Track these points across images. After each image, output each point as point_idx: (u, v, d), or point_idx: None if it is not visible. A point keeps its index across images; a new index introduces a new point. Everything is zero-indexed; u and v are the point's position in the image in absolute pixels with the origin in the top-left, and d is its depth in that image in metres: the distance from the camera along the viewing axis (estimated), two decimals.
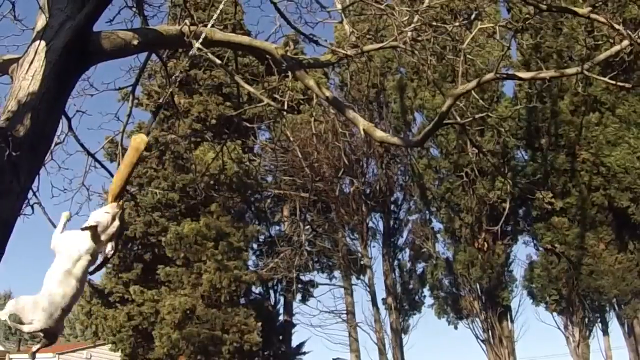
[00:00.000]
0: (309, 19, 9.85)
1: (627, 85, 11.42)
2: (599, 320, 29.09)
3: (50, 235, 5.59)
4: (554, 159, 27.50)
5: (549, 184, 27.41)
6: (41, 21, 6.67)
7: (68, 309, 5.36)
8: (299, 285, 35.09)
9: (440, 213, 30.47)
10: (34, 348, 5.77)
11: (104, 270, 31.53)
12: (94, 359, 40.61)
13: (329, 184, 32.66)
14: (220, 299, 29.03)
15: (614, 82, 9.14)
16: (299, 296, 35.75)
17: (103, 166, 9.25)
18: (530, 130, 28.68)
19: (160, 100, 6.88)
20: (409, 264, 34.56)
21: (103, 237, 5.49)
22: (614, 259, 26.31)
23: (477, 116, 12.30)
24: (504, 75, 9.57)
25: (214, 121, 31.51)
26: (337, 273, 36.66)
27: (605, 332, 29.06)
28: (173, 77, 7.99)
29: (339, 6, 11.70)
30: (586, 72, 8.07)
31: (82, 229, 5.38)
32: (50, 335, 5.34)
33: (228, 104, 31.59)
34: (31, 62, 6.19)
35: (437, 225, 32.11)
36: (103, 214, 5.51)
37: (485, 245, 29.06)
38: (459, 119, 10.10)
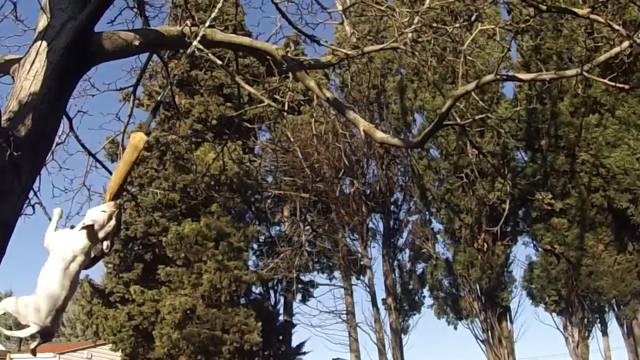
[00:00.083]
0: (309, 20, 9.89)
1: (626, 86, 11.47)
2: (598, 320, 29.11)
3: None
4: (554, 160, 27.52)
5: (548, 185, 27.43)
6: (42, 21, 6.68)
7: (63, 309, 5.39)
8: (299, 286, 35.12)
9: (440, 214, 30.48)
10: (32, 345, 5.79)
11: (104, 270, 31.72)
12: (94, 358, 40.63)
13: (329, 185, 32.68)
14: (221, 299, 29.05)
15: (613, 83, 9.15)
16: (299, 296, 35.81)
17: (104, 166, 9.27)
18: (530, 132, 28.69)
19: (159, 98, 6.80)
20: (408, 265, 34.59)
21: (99, 236, 5.49)
22: (613, 260, 26.33)
23: (477, 117, 12.33)
24: (504, 77, 9.60)
25: (214, 122, 31.54)
26: (337, 273, 36.71)
27: (604, 332, 29.10)
28: (172, 77, 8.01)
29: (340, 7, 11.74)
30: (586, 74, 8.08)
31: (79, 229, 5.38)
32: (47, 335, 5.37)
33: (229, 104, 31.62)
34: (32, 63, 6.20)
35: (437, 225, 32.17)
36: (100, 213, 5.49)
37: (485, 245, 29.07)
38: (459, 120, 10.11)
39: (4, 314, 5.46)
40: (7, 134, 5.55)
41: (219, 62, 7.72)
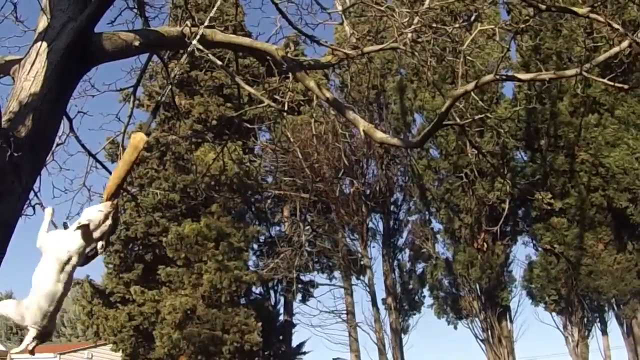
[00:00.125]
0: (309, 21, 9.90)
1: (625, 86, 11.47)
2: (597, 320, 29.14)
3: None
4: (553, 159, 27.54)
5: (548, 185, 27.44)
6: (43, 22, 6.69)
7: (59, 308, 5.41)
8: (299, 286, 35.13)
9: (439, 214, 30.50)
10: (30, 346, 5.80)
11: (105, 270, 31.75)
12: (95, 359, 40.68)
13: (329, 185, 32.69)
14: (221, 299, 29.06)
15: (612, 83, 9.16)
16: (299, 296, 35.82)
17: (104, 167, 9.28)
18: (529, 131, 28.71)
19: (160, 99, 6.82)
20: (408, 265, 34.60)
21: (95, 235, 5.48)
22: (612, 259, 26.36)
23: (476, 117, 12.36)
24: (504, 77, 9.59)
25: (214, 122, 31.55)
26: (337, 273, 36.72)
27: (604, 332, 29.13)
28: (172, 76, 7.98)
29: (340, 7, 11.76)
30: (585, 74, 8.09)
31: (75, 229, 5.38)
32: (46, 335, 5.39)
33: (229, 105, 31.64)
34: (33, 63, 6.21)
35: (436, 225, 32.21)
36: (96, 212, 5.47)
37: (485, 245, 29.09)
38: (458, 120, 10.12)
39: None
40: (8, 134, 5.56)
41: (219, 62, 7.74)
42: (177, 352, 28.61)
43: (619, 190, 25.91)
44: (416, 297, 33.97)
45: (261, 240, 36.07)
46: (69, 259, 5.28)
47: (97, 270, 60.96)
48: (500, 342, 29.21)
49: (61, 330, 73.58)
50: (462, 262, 28.92)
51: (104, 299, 31.11)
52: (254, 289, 33.50)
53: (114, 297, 30.73)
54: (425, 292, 33.13)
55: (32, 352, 5.77)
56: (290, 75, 8.36)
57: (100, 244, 5.56)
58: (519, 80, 9.95)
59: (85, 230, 5.36)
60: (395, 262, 34.52)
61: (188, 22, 7.46)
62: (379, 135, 8.27)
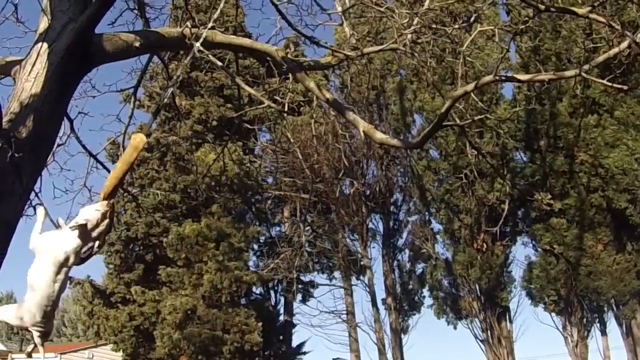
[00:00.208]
0: (309, 22, 9.92)
1: (625, 87, 11.48)
2: (597, 320, 29.16)
3: None
4: (553, 160, 27.56)
5: (547, 186, 27.44)
6: (43, 23, 6.71)
7: (56, 307, 5.44)
8: (299, 286, 35.14)
9: (439, 214, 30.51)
10: (29, 348, 5.83)
11: (105, 271, 31.78)
12: (95, 358, 40.69)
13: (329, 185, 32.69)
14: (221, 299, 29.07)
15: (612, 84, 9.18)
16: (299, 296, 35.83)
17: (105, 167, 9.32)
18: (529, 132, 28.74)
19: (161, 101, 6.79)
20: (408, 265, 34.61)
21: (92, 235, 5.47)
22: (612, 260, 26.38)
23: (476, 118, 12.36)
24: (503, 78, 9.63)
25: (215, 123, 31.57)
26: (337, 274, 36.73)
27: (603, 332, 29.13)
28: (174, 78, 8.00)
29: (339, 8, 11.79)
30: (584, 75, 8.11)
31: (71, 228, 5.39)
32: (46, 335, 5.41)
33: (229, 105, 31.66)
34: (33, 64, 6.23)
35: (436, 226, 32.23)
36: (93, 212, 5.48)
37: (485, 246, 29.10)
38: (458, 121, 10.14)
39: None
40: (9, 135, 5.58)
41: (220, 63, 7.76)
42: (177, 352, 28.62)
43: (619, 191, 25.94)
44: (416, 298, 33.99)
45: (261, 241, 36.10)
46: (66, 259, 5.30)
47: (97, 271, 61.08)
48: (500, 342, 29.23)
49: (62, 330, 73.69)
50: (461, 263, 28.95)
51: (104, 299, 31.12)
52: (254, 289, 33.53)
53: (114, 297, 30.74)
54: (425, 292, 33.21)
55: (29, 355, 5.81)
56: (290, 76, 8.39)
57: (96, 243, 5.58)
58: (519, 81, 9.98)
59: (83, 229, 5.38)
60: (395, 263, 34.55)
61: (188, 23, 7.48)
62: (379, 136, 8.29)
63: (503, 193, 26.27)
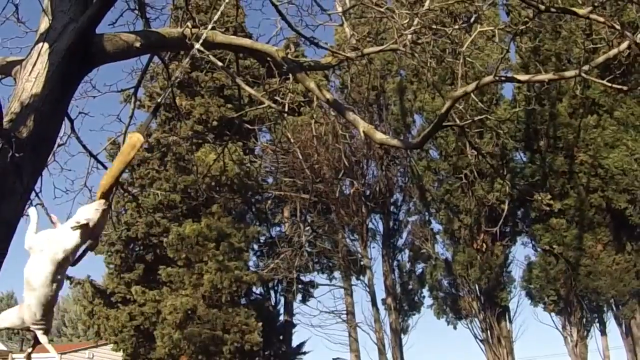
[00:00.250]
0: (309, 22, 9.94)
1: (624, 87, 11.48)
2: (596, 320, 29.18)
3: None
4: (553, 161, 27.58)
5: (547, 186, 27.45)
6: (44, 23, 6.73)
7: (54, 305, 5.46)
8: (299, 286, 35.14)
9: (439, 214, 30.51)
10: (28, 350, 5.84)
11: (105, 271, 31.80)
12: (96, 358, 40.71)
13: (329, 186, 32.70)
14: (221, 299, 29.08)
15: (611, 84, 9.19)
16: (299, 296, 35.83)
17: (105, 167, 9.31)
18: (528, 133, 28.75)
19: (159, 100, 6.77)
20: (408, 265, 34.60)
21: (91, 234, 5.51)
22: (611, 260, 26.39)
23: (476, 118, 12.40)
24: (503, 78, 9.65)
25: (215, 123, 31.57)
26: (337, 274, 36.73)
27: (603, 332, 29.15)
28: (173, 78, 8.00)
29: (340, 9, 11.81)
30: (584, 75, 8.13)
31: (73, 228, 5.39)
32: (46, 332, 5.44)
33: (229, 106, 31.67)
34: (34, 64, 6.25)
35: (436, 226, 32.24)
36: (94, 212, 5.47)
37: (484, 246, 29.11)
38: (458, 121, 10.16)
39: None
40: (9, 135, 5.59)
41: (220, 63, 7.78)
42: (177, 352, 28.64)
43: (618, 191, 25.95)
44: (416, 298, 34.00)
45: (261, 241, 36.12)
46: (65, 257, 5.31)
47: (98, 271, 61.10)
48: (500, 342, 29.24)
49: (62, 330, 73.75)
50: (461, 263, 28.96)
51: (105, 299, 31.13)
52: (254, 289, 33.54)
53: (115, 297, 30.75)
54: (425, 292, 33.22)
55: (28, 358, 5.82)
56: (290, 76, 8.40)
57: (91, 242, 5.60)
58: (519, 81, 10.00)
59: (85, 229, 5.39)
60: (395, 263, 34.55)
61: (189, 24, 7.50)
62: (379, 136, 8.31)
63: (503, 193, 26.29)
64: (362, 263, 34.15)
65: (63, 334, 73.52)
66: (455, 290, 30.79)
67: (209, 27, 7.43)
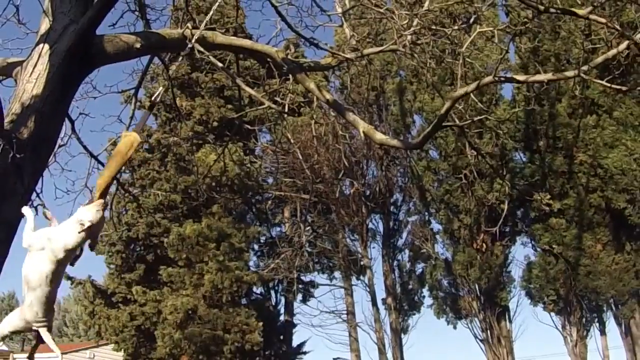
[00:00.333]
0: (309, 23, 10.00)
1: (623, 88, 11.52)
2: (596, 320, 29.18)
3: None
4: (552, 161, 27.59)
5: (546, 186, 27.46)
6: (45, 25, 6.77)
7: (54, 302, 5.50)
8: (300, 286, 35.11)
9: (439, 214, 30.51)
10: (31, 349, 5.87)
11: (106, 271, 31.84)
12: (97, 358, 40.74)
13: (329, 186, 32.70)
14: (222, 299, 29.09)
15: (610, 85, 9.22)
16: (299, 296, 35.81)
17: None
18: (528, 133, 28.75)
19: (153, 98, 6.74)
20: (408, 265, 34.59)
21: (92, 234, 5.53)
22: (611, 260, 26.40)
23: (475, 119, 12.39)
24: (503, 78, 9.67)
25: (215, 123, 31.58)
26: (337, 274, 36.71)
27: (602, 332, 29.15)
28: (169, 73, 8.00)
29: (340, 10, 11.85)
30: (583, 75, 8.16)
31: (80, 232, 5.39)
32: (49, 329, 5.47)
33: (229, 106, 31.68)
34: (35, 65, 6.29)
35: (436, 226, 32.24)
36: (96, 213, 5.48)
37: (484, 246, 29.12)
38: (457, 122, 10.19)
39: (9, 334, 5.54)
40: (10, 136, 5.62)
41: (220, 64, 7.81)
42: (178, 352, 28.65)
43: (617, 191, 25.96)
44: (416, 297, 33.99)
45: (262, 241, 36.11)
46: (66, 257, 5.33)
47: (99, 271, 61.12)
48: (500, 342, 29.25)
49: (63, 330, 73.76)
50: (461, 263, 28.97)
51: (105, 299, 31.14)
52: (254, 289, 33.54)
53: (115, 297, 30.76)
54: (425, 292, 33.20)
55: (31, 357, 5.85)
56: (290, 77, 8.43)
57: (92, 242, 5.62)
58: (518, 81, 10.04)
59: (88, 230, 5.41)
60: (395, 263, 34.54)
61: (189, 25, 7.53)
62: (379, 136, 8.34)
63: (502, 193, 26.30)
64: (362, 263, 34.15)
65: (64, 334, 73.52)
66: (455, 290, 30.80)
67: (202, 26, 7.46)
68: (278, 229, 37.85)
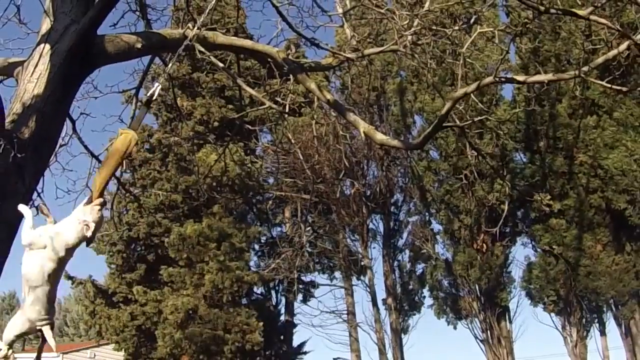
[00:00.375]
0: (310, 23, 10.03)
1: (624, 88, 11.53)
2: (596, 320, 29.19)
3: None
4: (552, 161, 27.60)
5: (547, 186, 27.49)
6: (46, 25, 6.78)
7: (55, 300, 5.51)
8: (300, 286, 35.11)
9: (439, 215, 30.51)
10: (38, 349, 5.87)
11: (107, 271, 31.86)
12: (97, 358, 40.75)
13: (330, 186, 32.71)
14: (223, 299, 29.09)
15: (611, 85, 9.24)
16: (300, 296, 35.82)
17: None
18: (528, 133, 28.77)
19: (149, 93, 6.70)
20: (408, 265, 34.58)
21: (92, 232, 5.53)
22: (611, 260, 26.40)
23: (476, 119, 12.42)
24: (503, 79, 9.68)
25: (216, 124, 31.58)
26: (337, 274, 36.71)
27: (602, 332, 29.15)
28: (166, 70, 7.99)
29: (340, 10, 11.84)
30: (584, 76, 8.19)
31: (89, 234, 5.39)
32: (52, 326, 5.48)
33: (230, 106, 31.70)
34: (36, 65, 6.30)
35: (436, 226, 32.24)
36: (97, 212, 5.43)
37: (484, 246, 29.13)
38: (458, 122, 10.22)
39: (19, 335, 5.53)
40: (11, 136, 5.63)
41: (221, 64, 7.84)
42: (179, 351, 28.65)
43: (618, 191, 25.97)
44: (416, 298, 34.00)
45: (262, 241, 36.13)
46: (67, 255, 5.34)
47: (99, 271, 61.06)
48: (500, 342, 29.26)
49: (64, 330, 73.73)
50: (461, 263, 28.97)
51: (106, 299, 31.14)
52: (255, 289, 33.55)
53: (116, 297, 30.77)
54: (425, 292, 33.21)
55: (39, 355, 5.86)
56: (291, 77, 8.45)
57: (89, 238, 5.62)
58: (518, 82, 10.05)
59: (87, 228, 5.41)
60: (396, 263, 34.54)
61: (190, 25, 7.54)
62: (379, 136, 8.35)
63: (503, 194, 26.28)
64: (362, 263, 34.16)
65: (65, 333, 73.49)
66: (456, 290, 30.81)
67: (200, 20, 7.46)
68: (279, 229, 37.92)
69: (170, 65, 7.37)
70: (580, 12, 8.20)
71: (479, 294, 29.89)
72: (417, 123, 32.01)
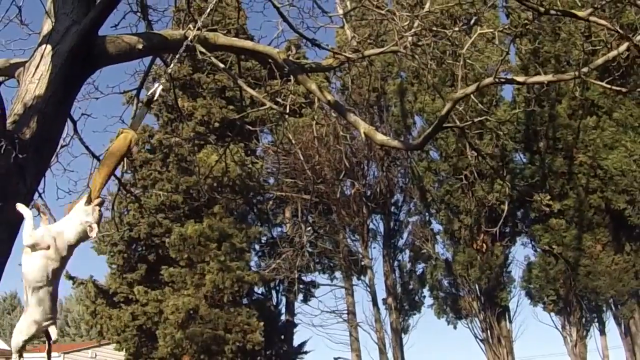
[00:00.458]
0: (310, 24, 10.05)
1: (623, 89, 11.54)
2: (596, 320, 29.22)
3: None
4: (552, 161, 27.63)
5: (546, 187, 27.51)
6: (47, 25, 6.81)
7: (57, 299, 5.54)
8: (301, 286, 35.10)
9: (439, 215, 30.53)
10: (47, 348, 5.88)
11: (108, 271, 31.85)
12: (99, 358, 40.78)
13: (330, 186, 32.73)
14: (223, 299, 29.10)
15: (610, 86, 9.26)
16: (300, 296, 35.81)
17: None
18: (528, 134, 28.79)
19: (150, 93, 6.72)
20: (409, 265, 34.58)
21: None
22: (610, 260, 26.43)
23: (476, 120, 12.46)
24: (503, 80, 9.70)
25: (217, 124, 31.59)
26: (338, 274, 36.72)
27: (602, 332, 29.18)
28: (167, 71, 8.00)
29: (341, 11, 11.88)
30: (583, 77, 8.21)
31: (92, 235, 5.42)
32: (56, 325, 5.52)
33: (231, 107, 31.71)
34: (37, 66, 6.32)
35: (436, 226, 32.27)
36: (97, 213, 5.48)
37: (484, 246, 29.15)
38: (458, 123, 10.25)
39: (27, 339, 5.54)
40: (13, 136, 5.66)
41: (222, 65, 7.86)
42: (180, 351, 28.66)
43: (617, 192, 25.98)
44: (416, 297, 34.00)
45: (263, 241, 36.14)
46: (68, 253, 5.37)
47: (100, 271, 61.04)
48: (500, 342, 29.28)
49: (65, 330, 73.73)
50: (461, 263, 29.00)
51: (107, 299, 31.14)
52: (255, 289, 33.54)
53: (117, 297, 30.77)
54: (425, 292, 33.22)
55: (49, 355, 5.88)
56: (291, 77, 8.47)
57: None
58: (518, 83, 10.07)
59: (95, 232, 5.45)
60: (396, 263, 34.55)
61: (191, 26, 7.57)
62: (380, 137, 8.37)
63: (503, 194, 26.29)
64: (363, 263, 34.17)
65: (66, 333, 73.50)
66: (456, 290, 30.84)
67: (200, 20, 7.49)
68: (279, 229, 37.92)
69: (171, 66, 7.40)
70: (580, 13, 8.23)
71: (479, 293, 29.92)
72: (417, 124, 32.11)
